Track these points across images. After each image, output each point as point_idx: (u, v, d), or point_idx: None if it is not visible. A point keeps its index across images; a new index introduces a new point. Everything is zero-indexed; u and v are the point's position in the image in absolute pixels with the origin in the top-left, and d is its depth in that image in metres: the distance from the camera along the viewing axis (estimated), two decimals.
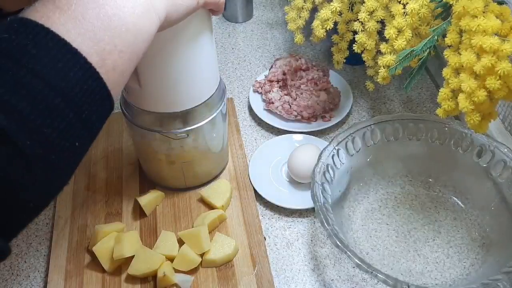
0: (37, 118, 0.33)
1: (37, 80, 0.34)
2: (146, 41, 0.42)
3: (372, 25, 0.65)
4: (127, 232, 0.64)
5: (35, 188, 0.35)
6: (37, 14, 0.36)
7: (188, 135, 0.64)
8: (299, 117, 0.80)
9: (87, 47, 0.36)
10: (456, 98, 0.53)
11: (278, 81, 0.85)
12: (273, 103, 0.81)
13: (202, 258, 0.62)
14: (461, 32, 0.53)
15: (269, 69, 0.87)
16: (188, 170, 0.69)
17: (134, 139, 0.70)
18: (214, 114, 0.64)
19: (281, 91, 0.83)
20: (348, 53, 0.75)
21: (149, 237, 0.66)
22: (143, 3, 0.41)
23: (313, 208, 0.68)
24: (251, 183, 0.72)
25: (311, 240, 0.67)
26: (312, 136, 0.79)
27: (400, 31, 0.61)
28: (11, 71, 0.33)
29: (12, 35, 0.35)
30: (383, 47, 0.63)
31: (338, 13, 0.70)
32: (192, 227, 0.67)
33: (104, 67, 0.37)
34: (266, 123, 0.82)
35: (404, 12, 0.61)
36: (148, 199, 0.68)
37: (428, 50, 0.59)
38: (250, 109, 0.85)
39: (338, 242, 0.55)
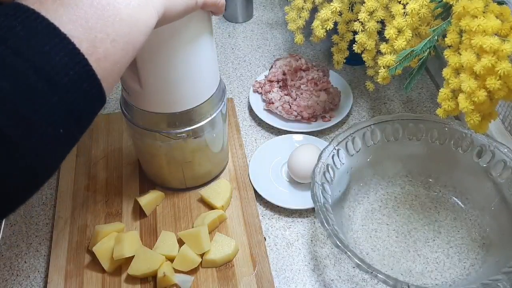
0: (17, 98, 0.33)
1: (21, 60, 0.34)
2: (143, 33, 0.41)
3: (372, 25, 0.65)
4: (127, 232, 0.64)
5: (17, 170, 0.35)
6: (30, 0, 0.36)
7: (188, 135, 0.64)
8: (299, 117, 0.80)
9: (77, 33, 0.36)
10: (456, 98, 0.53)
11: (278, 81, 0.85)
12: (273, 103, 0.81)
13: (202, 258, 0.62)
14: (461, 32, 0.53)
15: (269, 69, 0.87)
16: (188, 170, 0.69)
17: (134, 139, 0.70)
18: (214, 114, 0.64)
19: (281, 91, 0.83)
20: (348, 53, 0.75)
21: (149, 237, 0.66)
22: None
23: (313, 208, 0.68)
24: (251, 183, 0.72)
25: (311, 240, 0.67)
26: (312, 136, 0.79)
27: (400, 31, 0.61)
28: None
29: (2, 17, 0.35)
30: (383, 47, 0.63)
31: (338, 13, 0.70)
32: (192, 227, 0.67)
33: (94, 55, 0.37)
34: (266, 123, 0.82)
35: (404, 12, 0.61)
36: (148, 199, 0.68)
37: (428, 50, 0.59)
38: (250, 109, 0.85)
39: (338, 242, 0.55)
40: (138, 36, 0.41)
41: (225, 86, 0.67)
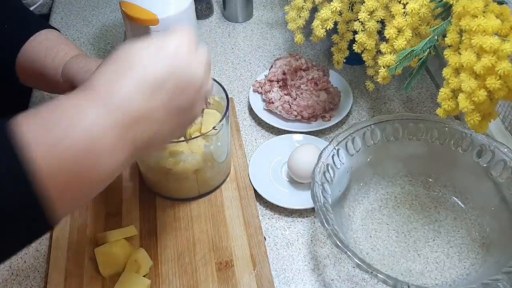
0: None
1: None
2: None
3: (372, 25, 0.65)
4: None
5: None
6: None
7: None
8: (299, 117, 0.80)
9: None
10: (456, 98, 0.53)
11: (278, 81, 0.85)
12: (273, 103, 0.81)
13: None
14: (461, 32, 0.53)
15: (269, 69, 0.87)
16: (192, 181, 0.68)
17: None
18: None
19: (281, 91, 0.83)
20: (348, 53, 0.75)
21: (149, 238, 0.66)
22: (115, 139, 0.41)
23: (313, 208, 0.68)
24: (251, 183, 0.72)
25: (311, 240, 0.67)
26: (312, 136, 0.79)
27: (400, 31, 0.61)
28: None
29: None
30: (383, 47, 0.63)
31: (338, 13, 0.70)
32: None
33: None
34: (266, 123, 0.81)
35: (404, 12, 0.61)
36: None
37: (428, 50, 0.59)
38: (250, 109, 0.85)
39: (338, 242, 0.55)
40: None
41: (227, 97, 0.67)
